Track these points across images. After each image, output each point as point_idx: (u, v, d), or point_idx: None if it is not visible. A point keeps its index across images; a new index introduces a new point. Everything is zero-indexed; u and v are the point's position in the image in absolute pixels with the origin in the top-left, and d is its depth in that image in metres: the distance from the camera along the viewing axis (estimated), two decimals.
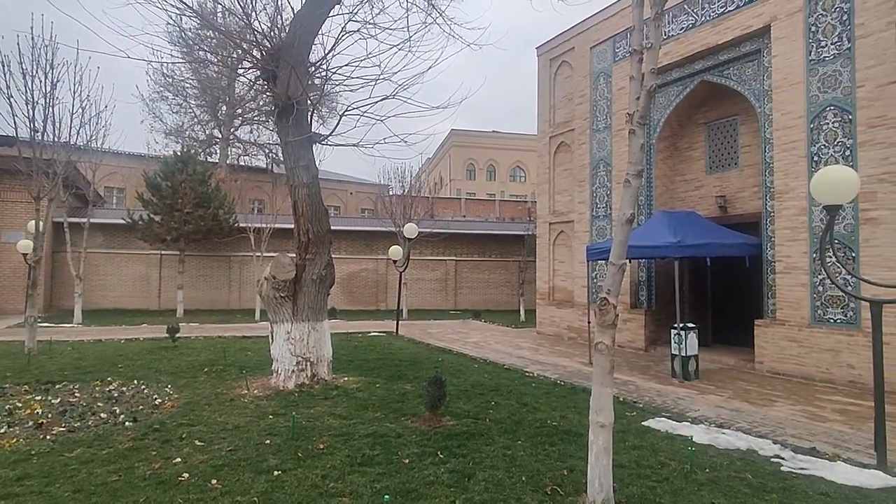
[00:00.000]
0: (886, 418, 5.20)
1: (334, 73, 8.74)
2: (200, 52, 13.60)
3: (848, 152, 9.07)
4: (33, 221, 11.44)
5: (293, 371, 7.89)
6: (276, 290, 8.01)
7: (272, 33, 8.34)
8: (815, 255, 9.46)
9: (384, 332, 16.07)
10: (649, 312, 13.17)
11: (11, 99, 10.75)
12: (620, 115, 13.58)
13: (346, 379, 8.49)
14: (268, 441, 5.35)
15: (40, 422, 5.90)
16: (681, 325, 9.38)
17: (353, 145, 8.29)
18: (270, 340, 8.28)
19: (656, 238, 10.21)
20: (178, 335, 12.46)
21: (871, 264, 8.62)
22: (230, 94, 27.51)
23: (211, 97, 28.02)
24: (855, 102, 8.97)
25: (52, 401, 6.90)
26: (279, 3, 9.44)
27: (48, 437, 5.47)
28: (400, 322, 16.86)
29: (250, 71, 10.02)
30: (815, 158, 9.54)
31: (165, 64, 25.37)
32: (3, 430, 5.66)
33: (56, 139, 12.06)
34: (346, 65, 8.31)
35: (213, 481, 4.33)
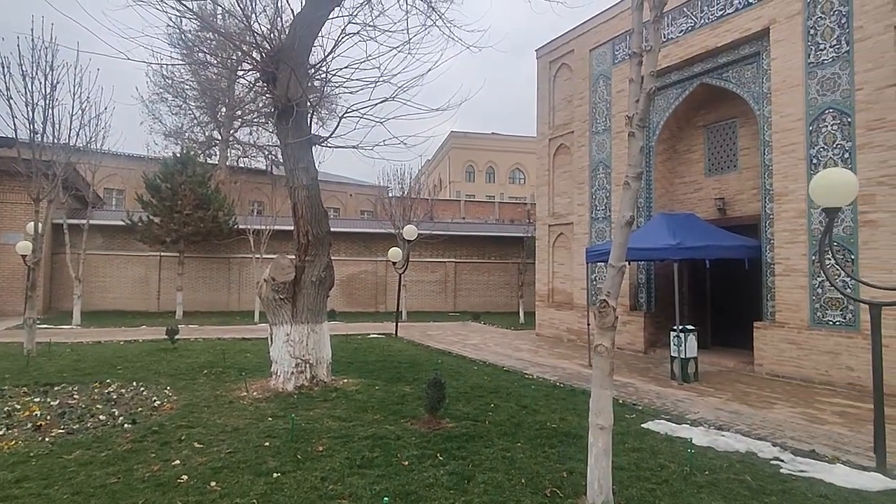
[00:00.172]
0: (886, 421, 5.20)
1: (334, 75, 8.76)
2: (200, 54, 13.61)
3: (847, 155, 9.08)
4: (32, 223, 11.43)
5: (292, 373, 7.88)
6: (276, 291, 8.00)
7: (272, 35, 8.35)
8: (814, 258, 9.47)
9: (383, 333, 16.06)
10: (649, 315, 13.17)
11: (11, 100, 10.76)
12: (620, 117, 13.60)
13: (345, 381, 8.48)
14: (267, 443, 5.35)
15: (39, 424, 5.90)
16: (680, 327, 9.38)
17: (353, 147, 8.30)
18: (270, 342, 8.28)
19: (656, 240, 10.21)
20: (177, 337, 12.45)
21: (870, 266, 8.63)
22: (230, 95, 27.53)
23: (211, 99, 28.04)
24: (854, 105, 8.99)
25: (51, 402, 6.89)
26: (279, 5, 9.47)
27: (47, 438, 5.45)
28: (399, 324, 16.86)
29: (250, 73, 10.04)
30: (814, 161, 9.55)
31: (165, 66, 25.45)
32: (1, 432, 5.64)
33: (56, 141, 12.06)
34: (345, 67, 8.33)
35: (213, 483, 4.32)
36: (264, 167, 32.11)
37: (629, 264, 12.76)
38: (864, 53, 8.87)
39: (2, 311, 20.11)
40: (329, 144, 8.56)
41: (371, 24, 8.39)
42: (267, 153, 30.78)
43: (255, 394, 7.53)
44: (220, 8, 10.89)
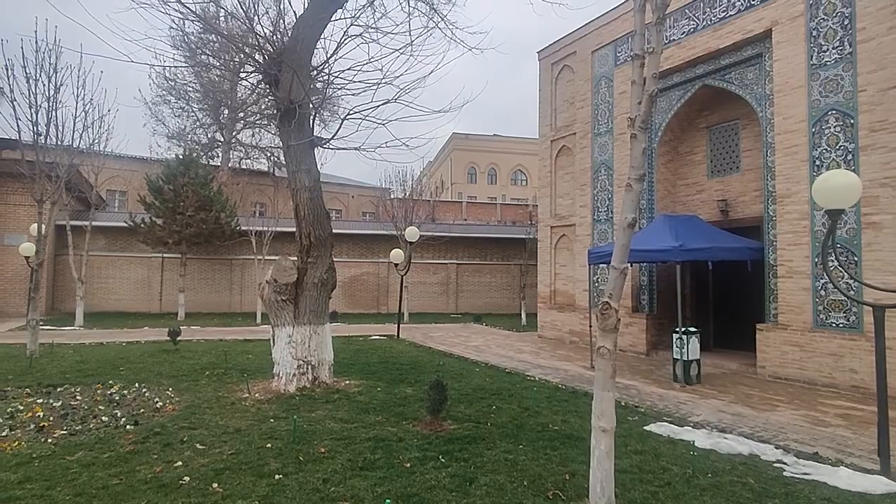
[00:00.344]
0: (890, 423, 5.17)
1: (336, 76, 8.79)
2: (203, 56, 13.65)
3: (850, 156, 9.07)
4: (36, 224, 11.47)
5: (294, 374, 7.89)
6: (278, 293, 8.01)
7: (275, 37, 8.38)
8: (817, 260, 9.45)
9: (385, 335, 16.06)
10: (651, 316, 13.15)
11: (15, 102, 10.81)
12: (622, 118, 13.60)
13: (347, 382, 8.48)
14: (269, 445, 5.35)
15: (42, 425, 5.91)
16: (682, 329, 9.37)
17: (355, 149, 8.31)
18: (272, 344, 8.28)
19: (658, 242, 10.20)
20: (179, 338, 12.46)
21: (874, 268, 8.60)
22: (232, 97, 27.57)
23: (213, 101, 28.08)
24: (857, 107, 8.97)
25: (54, 404, 6.90)
26: (282, 7, 9.48)
27: (49, 440, 5.46)
28: (401, 325, 16.86)
29: (253, 75, 10.05)
30: (817, 162, 9.53)
31: (168, 68, 25.53)
32: (4, 433, 5.65)
33: (59, 142, 12.11)
34: (348, 69, 8.36)
35: (215, 485, 4.32)
36: (266, 169, 32.16)
37: (631, 266, 12.74)
38: (868, 55, 8.85)
39: (5, 313, 20.17)
40: (331, 146, 8.59)
41: (373, 26, 8.42)
42: (269, 155, 30.83)
43: (257, 395, 7.53)
44: (222, 10, 10.91)
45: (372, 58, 9.58)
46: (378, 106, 7.97)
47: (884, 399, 5.11)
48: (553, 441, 5.63)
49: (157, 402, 7.07)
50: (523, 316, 22.22)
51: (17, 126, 10.86)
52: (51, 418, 6.22)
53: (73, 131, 12.59)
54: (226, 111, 29.01)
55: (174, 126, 29.67)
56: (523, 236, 24.06)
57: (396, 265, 16.33)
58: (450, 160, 52.67)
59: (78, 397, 7.36)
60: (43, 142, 11.44)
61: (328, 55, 8.68)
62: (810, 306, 9.55)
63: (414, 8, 8.57)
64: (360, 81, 8.46)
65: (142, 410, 6.66)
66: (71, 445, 5.30)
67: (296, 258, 8.47)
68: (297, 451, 5.16)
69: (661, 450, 5.48)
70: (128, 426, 5.95)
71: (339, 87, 9.09)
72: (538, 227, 17.76)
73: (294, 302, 8.09)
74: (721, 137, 12.63)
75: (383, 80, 8.05)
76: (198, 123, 30.06)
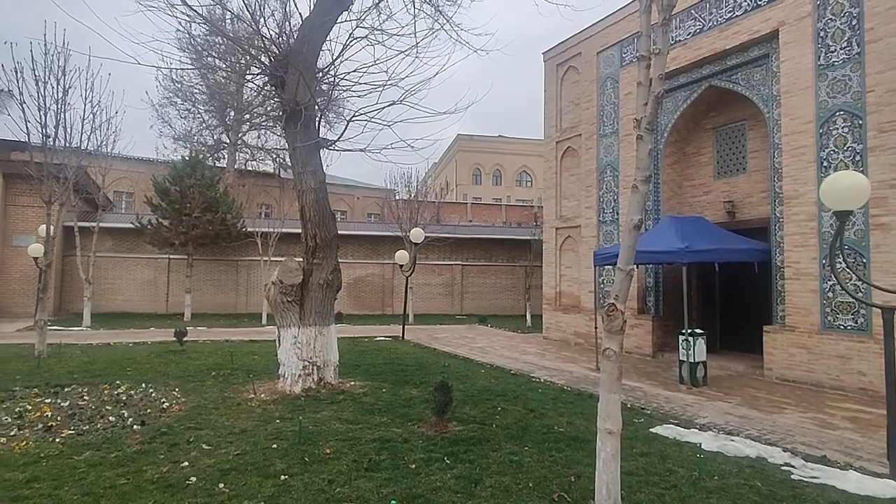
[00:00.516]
0: None
1: (342, 78, 8.81)
2: (209, 59, 13.73)
3: (858, 157, 9.00)
4: (44, 225, 11.57)
5: (300, 375, 7.91)
6: (284, 294, 8.03)
7: (280, 39, 8.41)
8: (824, 261, 9.39)
9: (390, 336, 16.07)
10: (657, 318, 13.10)
11: (24, 105, 10.90)
12: (627, 120, 13.57)
13: (352, 383, 8.49)
14: (275, 445, 5.36)
15: (50, 425, 5.95)
16: (689, 330, 9.33)
17: (361, 150, 8.34)
18: (277, 344, 8.31)
19: (664, 243, 10.16)
20: (185, 339, 12.53)
21: (882, 270, 8.54)
22: (238, 99, 27.69)
23: (219, 103, 28.22)
24: (865, 107, 8.91)
25: (62, 404, 6.94)
26: (287, 9, 9.53)
27: (57, 439, 5.50)
28: (406, 326, 16.86)
29: (258, 77, 10.10)
30: (825, 164, 9.47)
31: (175, 70, 25.62)
32: (13, 433, 5.70)
33: (67, 144, 12.21)
34: (353, 70, 8.39)
35: (221, 485, 4.34)
36: (272, 170, 32.27)
37: (637, 268, 12.69)
38: (876, 55, 8.80)
39: (13, 313, 20.33)
40: (337, 148, 8.62)
41: (379, 28, 8.44)
42: (275, 156, 30.93)
43: (262, 396, 7.55)
44: (228, 13, 10.97)
45: (377, 59, 9.59)
46: (383, 107, 7.99)
47: (893, 402, 5.06)
48: (558, 443, 5.62)
49: (163, 402, 7.11)
50: (528, 317, 22.18)
51: (27, 128, 10.95)
52: (58, 418, 6.26)
53: (82, 133, 12.74)
54: (232, 113, 29.14)
55: (180, 128, 29.87)
56: (528, 238, 24.03)
57: (401, 266, 16.35)
58: (455, 161, 52.69)
59: (85, 397, 7.40)
60: (51, 144, 11.53)
61: (334, 57, 8.73)
62: (818, 308, 9.49)
63: (419, 10, 8.59)
64: (365, 83, 8.49)
65: (148, 411, 6.69)
66: (78, 445, 5.33)
67: (301, 259, 8.50)
68: (302, 451, 5.17)
69: (667, 452, 5.45)
70: (135, 426, 5.98)
71: (344, 88, 9.12)
72: (543, 228, 17.73)
73: (300, 303, 8.11)
74: (728, 138, 12.57)
75: (389, 82, 8.08)
76: (204, 125, 30.23)
